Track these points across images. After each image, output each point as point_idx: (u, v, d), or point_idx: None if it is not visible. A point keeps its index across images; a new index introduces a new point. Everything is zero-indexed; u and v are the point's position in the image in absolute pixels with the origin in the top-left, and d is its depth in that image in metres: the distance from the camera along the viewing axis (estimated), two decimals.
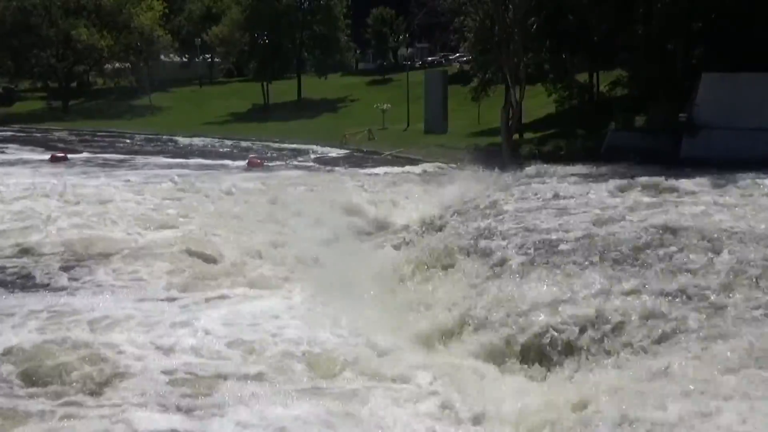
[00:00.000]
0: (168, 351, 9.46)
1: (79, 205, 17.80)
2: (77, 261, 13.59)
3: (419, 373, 8.78)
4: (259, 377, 8.72)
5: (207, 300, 11.82)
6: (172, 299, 11.83)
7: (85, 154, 32.53)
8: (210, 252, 14.10)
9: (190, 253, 13.96)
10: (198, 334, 10.07)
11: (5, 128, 46.09)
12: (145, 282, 12.63)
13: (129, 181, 22.92)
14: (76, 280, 12.66)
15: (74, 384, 8.39)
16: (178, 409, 7.98)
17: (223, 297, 12.00)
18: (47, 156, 31.04)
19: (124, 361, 8.99)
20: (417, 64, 66.34)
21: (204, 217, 17.06)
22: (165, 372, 8.79)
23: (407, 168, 27.82)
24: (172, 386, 8.47)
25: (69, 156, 30.98)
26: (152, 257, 13.73)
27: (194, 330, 10.24)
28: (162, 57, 65.36)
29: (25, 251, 14.03)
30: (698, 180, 16.66)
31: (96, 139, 41.88)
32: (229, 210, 18.03)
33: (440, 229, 15.01)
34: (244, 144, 38.43)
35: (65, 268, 13.20)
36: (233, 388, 8.41)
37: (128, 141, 41.19)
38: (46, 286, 12.33)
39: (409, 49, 72.30)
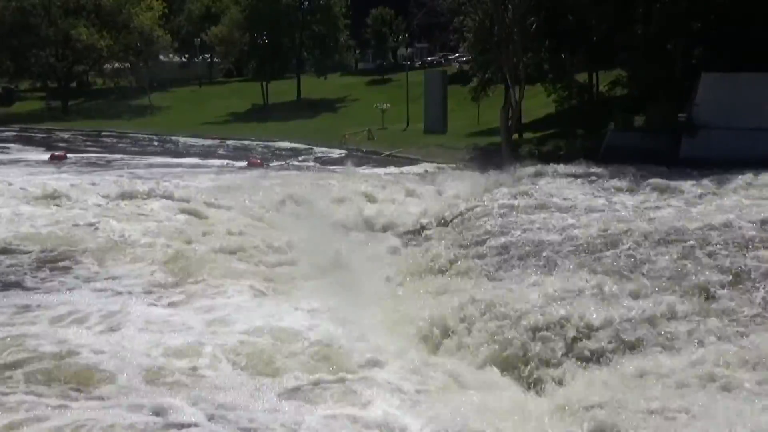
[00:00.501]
0: (147, 348, 9.35)
1: (57, 202, 17.82)
2: (53, 259, 13.53)
3: (410, 375, 8.75)
4: (238, 376, 8.66)
5: (189, 296, 11.76)
6: (150, 294, 11.79)
7: (83, 155, 32.54)
8: (191, 250, 14.06)
9: (174, 250, 13.91)
10: (179, 331, 9.98)
11: (5, 128, 46.09)
12: (122, 278, 12.56)
13: (115, 179, 22.94)
14: (48, 279, 12.54)
15: (44, 380, 8.33)
16: (153, 410, 7.88)
17: (202, 294, 11.90)
18: (46, 156, 31.04)
19: (98, 359, 8.91)
20: (416, 64, 66.30)
21: (189, 215, 17.02)
22: (142, 370, 8.70)
23: (406, 168, 27.80)
24: (148, 386, 8.40)
25: (68, 155, 30.99)
26: (132, 254, 13.68)
27: (173, 326, 10.18)
28: (161, 57, 65.33)
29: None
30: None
31: (98, 139, 41.85)
32: (212, 208, 17.99)
33: (437, 229, 15.00)
34: (243, 144, 38.44)
35: (40, 266, 13.15)
36: (209, 387, 8.36)
37: (129, 141, 41.13)
38: (18, 284, 12.23)
39: (409, 49, 72.24)
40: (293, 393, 8.27)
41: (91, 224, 15.46)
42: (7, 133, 43.74)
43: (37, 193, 18.05)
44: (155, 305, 11.27)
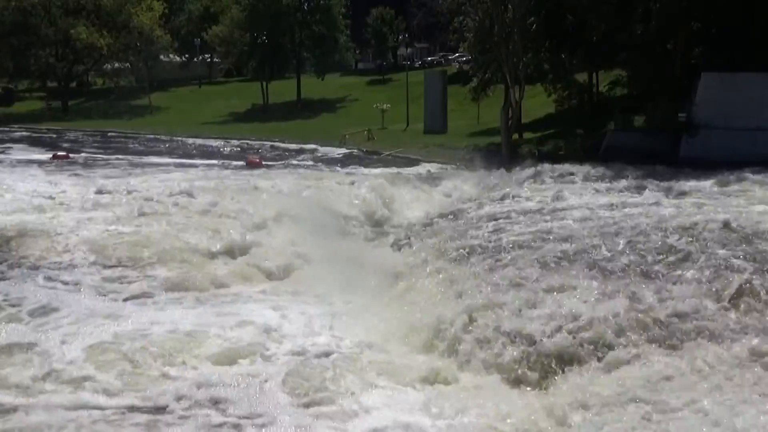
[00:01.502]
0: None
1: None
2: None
3: (411, 376, 8.73)
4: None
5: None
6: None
7: (83, 154, 32.62)
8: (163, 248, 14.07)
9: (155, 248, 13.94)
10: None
11: (6, 128, 46.08)
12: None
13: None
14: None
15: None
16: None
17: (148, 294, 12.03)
18: (46, 155, 31.15)
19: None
20: (416, 64, 66.28)
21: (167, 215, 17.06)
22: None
23: (406, 168, 27.78)
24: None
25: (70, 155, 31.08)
26: (107, 250, 13.73)
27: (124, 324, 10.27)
28: (161, 57, 65.30)
29: None
30: None
31: (100, 139, 41.82)
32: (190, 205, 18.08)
33: (437, 229, 14.98)
34: (243, 144, 38.41)
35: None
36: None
37: (130, 141, 41.09)
38: None
39: (409, 49, 72.24)
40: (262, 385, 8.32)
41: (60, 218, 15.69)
42: (16, 134, 43.69)
43: None
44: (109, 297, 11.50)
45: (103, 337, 9.56)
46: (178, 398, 8.06)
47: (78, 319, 10.35)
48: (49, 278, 12.31)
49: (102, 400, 8.01)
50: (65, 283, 12.10)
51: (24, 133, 44.29)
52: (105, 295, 11.72)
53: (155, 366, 8.79)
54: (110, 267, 12.94)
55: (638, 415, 7.24)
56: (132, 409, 7.88)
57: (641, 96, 27.61)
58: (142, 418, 7.70)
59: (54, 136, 43.20)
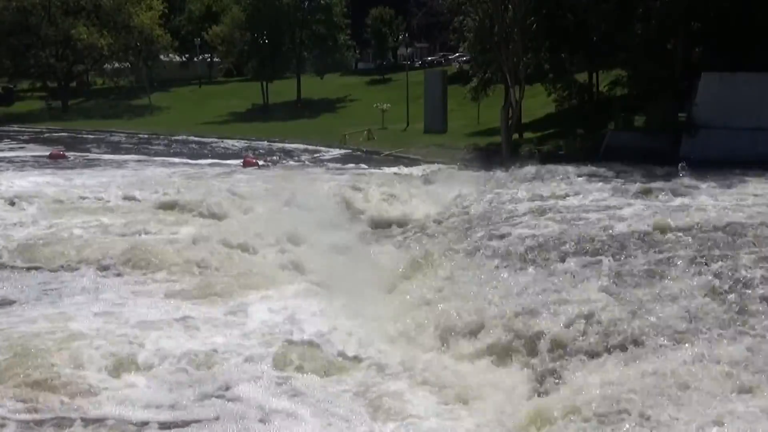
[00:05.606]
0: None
1: None
2: None
3: (413, 371, 8.74)
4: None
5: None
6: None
7: (82, 154, 32.70)
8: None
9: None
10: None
11: (6, 128, 46.10)
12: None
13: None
14: None
15: None
16: None
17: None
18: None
19: None
20: (416, 64, 66.30)
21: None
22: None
23: (407, 168, 27.77)
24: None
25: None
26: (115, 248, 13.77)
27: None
28: (161, 57, 65.31)
29: None
30: None
31: (104, 139, 41.91)
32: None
33: (436, 229, 15.00)
34: (242, 144, 38.42)
35: None
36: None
37: (131, 141, 41.17)
38: None
39: (409, 49, 72.21)
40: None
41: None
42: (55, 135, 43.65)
43: None
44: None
45: None
46: None
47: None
48: None
49: None
50: None
51: (63, 134, 44.19)
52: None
53: None
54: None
55: None
56: None
57: (641, 96, 27.60)
58: None
59: (91, 137, 43.07)
